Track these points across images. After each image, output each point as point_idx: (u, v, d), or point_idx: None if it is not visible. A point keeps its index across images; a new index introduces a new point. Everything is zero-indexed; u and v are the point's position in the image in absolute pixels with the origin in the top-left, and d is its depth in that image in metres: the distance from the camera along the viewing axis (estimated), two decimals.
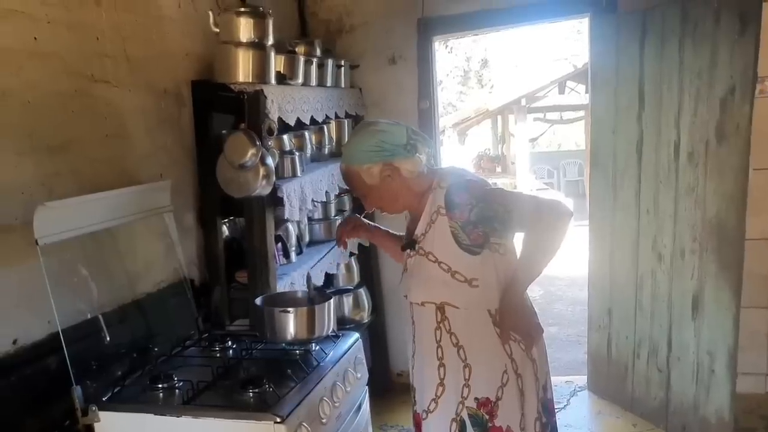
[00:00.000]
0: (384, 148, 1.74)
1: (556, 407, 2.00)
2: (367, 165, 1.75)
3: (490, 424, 1.74)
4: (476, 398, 1.75)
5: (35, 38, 1.82)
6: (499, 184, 1.93)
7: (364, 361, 2.30)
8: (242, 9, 2.36)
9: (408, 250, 1.86)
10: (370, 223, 2.11)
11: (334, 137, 3.34)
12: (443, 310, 1.76)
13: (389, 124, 1.81)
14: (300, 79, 2.79)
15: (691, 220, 2.94)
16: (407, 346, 1.92)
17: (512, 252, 1.81)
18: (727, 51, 2.71)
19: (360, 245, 3.46)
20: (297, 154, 2.75)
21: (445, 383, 1.78)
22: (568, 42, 14.54)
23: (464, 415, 1.76)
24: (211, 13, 2.35)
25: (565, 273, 6.04)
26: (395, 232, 2.07)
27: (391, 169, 1.75)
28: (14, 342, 1.73)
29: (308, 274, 2.41)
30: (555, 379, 1.95)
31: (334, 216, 3.27)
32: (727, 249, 2.81)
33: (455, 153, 15.09)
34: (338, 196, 3.33)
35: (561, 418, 2.04)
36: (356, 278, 3.52)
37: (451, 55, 16.96)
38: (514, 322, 1.76)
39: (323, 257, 2.99)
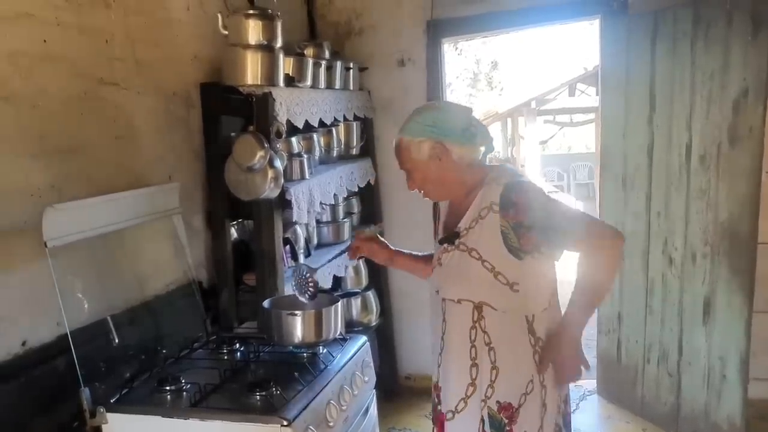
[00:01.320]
0: (438, 126, 1.69)
1: None
2: (419, 139, 1.70)
3: (507, 429, 1.70)
4: (498, 401, 1.70)
5: (45, 41, 1.83)
6: None
7: (372, 364, 2.29)
8: (251, 11, 2.36)
9: (445, 244, 1.77)
10: (390, 245, 2.04)
11: (342, 139, 3.34)
12: (481, 309, 1.69)
13: (452, 105, 1.77)
14: (308, 82, 2.79)
15: (703, 224, 2.91)
16: (434, 344, 1.84)
17: (552, 259, 1.75)
18: (740, 53, 2.68)
19: None
20: (305, 156, 2.75)
21: (476, 383, 1.72)
22: (578, 44, 14.49)
23: (484, 413, 1.71)
24: (219, 16, 2.36)
25: (575, 276, 5.99)
26: (417, 253, 2.03)
27: (441, 149, 1.69)
28: (23, 343, 1.74)
29: (309, 268, 2.34)
30: None
31: (342, 218, 3.26)
32: (740, 252, 2.78)
33: None
34: (346, 198, 3.32)
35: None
36: (364, 281, 3.51)
37: (460, 57, 16.91)
38: (561, 361, 1.72)
39: (332, 259, 2.98)
